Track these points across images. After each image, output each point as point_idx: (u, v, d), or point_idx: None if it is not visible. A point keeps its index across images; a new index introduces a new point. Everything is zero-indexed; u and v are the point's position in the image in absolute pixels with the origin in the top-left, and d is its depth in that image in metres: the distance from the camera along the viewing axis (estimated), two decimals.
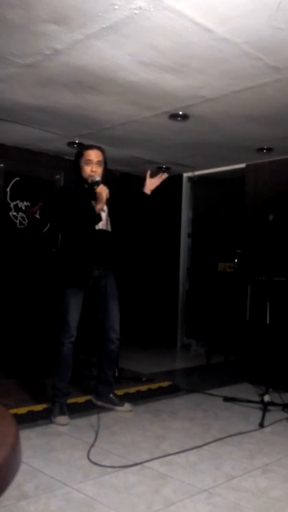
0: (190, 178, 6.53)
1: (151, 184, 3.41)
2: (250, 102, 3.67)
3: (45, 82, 3.43)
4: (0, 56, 3.03)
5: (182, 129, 4.42)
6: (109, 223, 3.32)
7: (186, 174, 6.51)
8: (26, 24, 2.61)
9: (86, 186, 3.26)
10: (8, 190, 5.27)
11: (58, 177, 5.65)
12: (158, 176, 3.42)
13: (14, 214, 5.32)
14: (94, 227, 3.23)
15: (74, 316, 3.25)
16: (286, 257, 4.19)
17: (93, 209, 3.14)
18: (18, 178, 5.34)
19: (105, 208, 3.23)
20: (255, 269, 4.43)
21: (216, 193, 6.35)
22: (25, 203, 5.41)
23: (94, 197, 3.15)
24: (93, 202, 3.17)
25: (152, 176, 3.42)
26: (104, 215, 3.26)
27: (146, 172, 3.42)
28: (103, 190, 3.14)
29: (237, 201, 5.90)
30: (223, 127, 4.35)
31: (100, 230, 3.27)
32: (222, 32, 2.63)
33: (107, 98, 3.72)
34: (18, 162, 5.34)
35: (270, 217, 3.84)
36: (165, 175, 3.43)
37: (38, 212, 5.53)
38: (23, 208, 5.40)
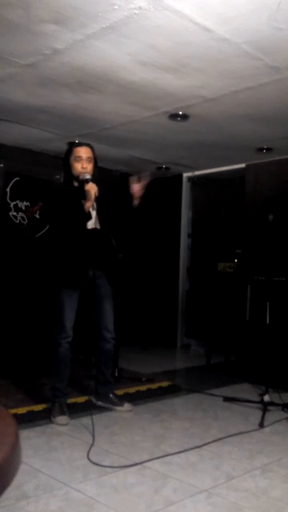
0: (189, 178, 6.53)
1: (136, 191, 3.29)
2: (250, 101, 3.67)
3: (45, 82, 3.43)
4: (0, 56, 3.03)
5: (182, 129, 4.42)
6: (97, 220, 3.31)
7: (185, 174, 6.51)
8: (26, 24, 2.61)
9: (77, 184, 3.26)
10: (8, 190, 5.27)
11: (57, 177, 5.65)
12: (143, 180, 3.28)
13: (14, 213, 5.32)
14: (85, 227, 3.23)
15: (69, 316, 3.26)
16: (286, 257, 4.19)
17: (82, 207, 3.14)
18: (17, 178, 5.34)
19: (94, 206, 3.22)
20: (255, 269, 4.43)
21: (216, 193, 6.35)
22: (25, 203, 5.41)
23: (83, 195, 3.15)
24: (83, 201, 3.17)
25: (137, 180, 3.28)
26: (93, 213, 3.25)
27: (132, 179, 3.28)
28: (92, 188, 3.13)
29: (237, 201, 5.90)
30: (223, 127, 4.35)
31: (91, 230, 3.27)
32: (222, 32, 2.63)
33: (107, 98, 3.72)
34: (18, 162, 5.34)
35: (270, 217, 3.84)
36: (146, 175, 3.28)
37: (38, 212, 5.53)
38: (23, 208, 5.40)
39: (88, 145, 3.33)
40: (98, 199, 3.18)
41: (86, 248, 3.25)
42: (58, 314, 3.27)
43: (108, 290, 3.41)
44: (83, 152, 3.26)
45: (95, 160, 3.33)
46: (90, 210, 3.18)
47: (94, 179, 3.22)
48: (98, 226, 3.31)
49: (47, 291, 5.26)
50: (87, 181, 3.17)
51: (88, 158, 3.27)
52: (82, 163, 3.24)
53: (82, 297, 3.36)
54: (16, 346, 5.09)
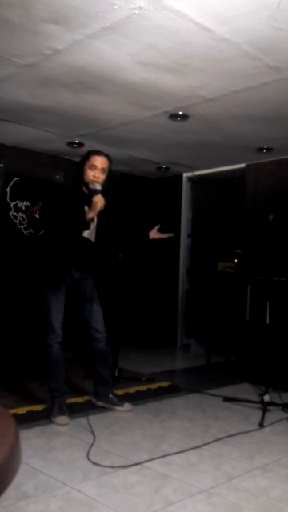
0: (189, 178, 6.53)
1: (156, 235, 3.54)
2: (249, 102, 3.67)
3: (45, 81, 3.43)
4: (0, 56, 3.03)
5: (182, 129, 4.42)
6: (94, 234, 3.30)
7: (185, 174, 6.51)
8: (26, 24, 2.61)
9: (86, 190, 3.25)
10: (8, 190, 5.27)
11: (57, 177, 5.65)
12: (165, 235, 3.59)
13: (14, 213, 5.32)
14: (81, 234, 3.22)
15: (56, 316, 3.27)
16: (286, 257, 4.19)
17: (84, 215, 3.13)
18: (17, 178, 5.34)
19: (94, 220, 3.19)
20: (255, 269, 4.43)
21: (216, 193, 6.35)
22: (25, 203, 5.41)
23: (89, 202, 3.15)
24: (86, 208, 3.17)
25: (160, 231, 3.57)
26: (92, 226, 3.23)
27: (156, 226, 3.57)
28: (99, 201, 3.12)
29: (237, 201, 5.90)
30: (223, 127, 4.35)
31: (84, 238, 3.26)
32: (222, 32, 2.63)
33: (107, 98, 3.72)
34: (18, 162, 5.34)
35: (270, 217, 3.83)
36: (171, 235, 3.66)
37: (38, 212, 5.53)
38: (23, 208, 5.40)
39: (107, 156, 3.30)
40: (101, 213, 3.16)
41: (72, 253, 3.25)
42: (45, 315, 3.29)
43: (94, 292, 3.40)
44: (99, 162, 3.24)
45: (109, 171, 3.32)
46: (91, 221, 3.17)
47: (104, 191, 3.20)
48: (93, 239, 3.31)
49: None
50: (96, 192, 3.16)
51: (103, 168, 3.24)
52: (95, 172, 3.22)
53: (76, 297, 3.37)
54: (17, 345, 5.09)
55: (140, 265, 6.54)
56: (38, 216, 5.52)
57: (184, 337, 6.54)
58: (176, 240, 6.53)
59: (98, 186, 3.18)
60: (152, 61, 3.03)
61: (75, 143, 5.04)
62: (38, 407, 3.43)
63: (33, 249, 5.43)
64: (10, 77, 3.36)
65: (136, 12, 2.46)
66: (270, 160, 5.42)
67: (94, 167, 3.23)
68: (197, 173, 6.42)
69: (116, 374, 4.28)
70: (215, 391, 4.16)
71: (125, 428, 3.17)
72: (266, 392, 3.63)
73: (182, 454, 2.74)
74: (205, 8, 2.40)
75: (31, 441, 2.86)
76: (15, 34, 2.74)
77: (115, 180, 6.17)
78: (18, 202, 5.35)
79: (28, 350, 5.06)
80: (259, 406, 3.62)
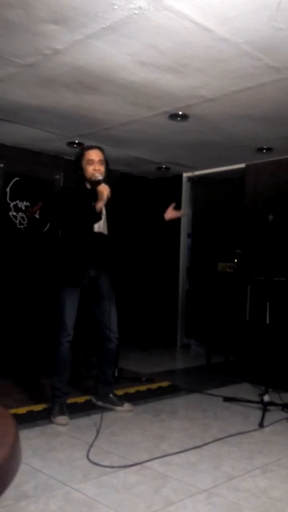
0: (189, 178, 6.53)
1: (172, 214, 3.49)
2: (249, 102, 3.67)
3: (45, 82, 3.43)
4: (0, 56, 3.03)
5: (182, 129, 4.42)
6: (105, 226, 3.32)
7: (185, 174, 6.51)
8: (26, 24, 2.61)
9: (89, 186, 3.27)
10: (8, 190, 5.27)
11: (57, 177, 5.65)
12: (180, 212, 3.59)
13: (14, 213, 5.32)
14: (92, 229, 3.24)
15: (70, 315, 3.26)
16: (285, 257, 4.19)
17: (93, 208, 3.14)
18: (17, 178, 5.34)
19: (103, 211, 3.22)
20: (255, 269, 4.43)
21: (216, 193, 6.35)
22: (25, 203, 5.41)
23: (95, 197, 3.15)
24: (93, 203, 3.17)
25: (174, 209, 3.54)
26: (102, 218, 3.25)
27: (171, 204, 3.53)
28: (105, 189, 3.14)
29: (237, 201, 5.90)
30: (223, 127, 4.35)
31: (96, 233, 3.28)
32: (222, 32, 2.63)
33: (107, 98, 3.72)
34: (18, 162, 5.34)
35: (270, 217, 3.84)
36: (183, 212, 3.66)
37: (38, 212, 5.53)
38: (23, 208, 5.40)
39: (99, 148, 3.35)
40: (108, 203, 3.17)
41: (89, 250, 3.26)
42: (58, 312, 3.27)
43: (111, 291, 3.41)
44: (95, 155, 3.28)
45: (106, 162, 3.35)
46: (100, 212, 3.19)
47: (106, 180, 3.22)
48: (105, 232, 3.32)
49: (47, 291, 5.26)
50: (99, 182, 3.19)
51: (100, 160, 3.28)
52: (95, 165, 3.25)
53: (83, 296, 3.37)
54: (17, 345, 5.09)
55: (140, 265, 6.54)
56: (38, 216, 5.52)
57: (184, 337, 6.54)
58: (176, 240, 6.54)
59: (100, 176, 3.22)
60: (152, 61, 3.03)
61: (75, 143, 5.04)
62: (38, 407, 3.43)
63: (46, 248, 5.44)
64: (10, 77, 3.36)
65: (136, 12, 2.46)
66: (269, 160, 5.42)
67: (91, 162, 3.26)
68: (197, 173, 6.42)
69: (116, 374, 4.28)
70: (215, 391, 4.16)
71: (125, 428, 3.17)
72: (266, 392, 3.63)
73: (181, 454, 2.74)
74: (205, 8, 2.40)
75: (31, 441, 2.86)
76: (15, 34, 2.74)
77: (115, 180, 6.18)
78: (17, 202, 5.35)
79: (29, 351, 5.06)
80: (259, 405, 3.61)
